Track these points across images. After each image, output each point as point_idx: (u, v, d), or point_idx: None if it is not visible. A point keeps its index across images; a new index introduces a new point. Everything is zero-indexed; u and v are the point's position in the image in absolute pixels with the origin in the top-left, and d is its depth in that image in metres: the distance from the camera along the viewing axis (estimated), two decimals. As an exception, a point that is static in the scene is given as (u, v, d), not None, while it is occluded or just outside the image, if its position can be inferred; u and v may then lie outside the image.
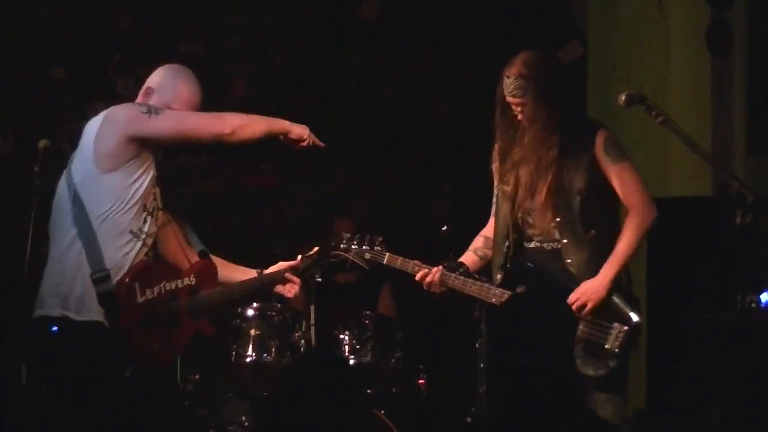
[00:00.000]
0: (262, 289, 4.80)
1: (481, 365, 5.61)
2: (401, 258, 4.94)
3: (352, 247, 5.04)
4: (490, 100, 4.77)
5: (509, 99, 4.66)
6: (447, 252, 5.53)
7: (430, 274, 4.82)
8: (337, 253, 5.09)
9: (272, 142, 7.57)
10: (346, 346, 5.76)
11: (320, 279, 5.89)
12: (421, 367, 5.90)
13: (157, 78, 4.47)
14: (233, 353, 5.74)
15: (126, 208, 4.25)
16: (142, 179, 4.28)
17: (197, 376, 5.87)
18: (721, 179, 4.61)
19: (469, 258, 4.90)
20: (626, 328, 4.57)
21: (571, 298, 4.60)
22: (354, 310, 6.00)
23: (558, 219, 4.66)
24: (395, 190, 7.60)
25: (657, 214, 4.67)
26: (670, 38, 6.61)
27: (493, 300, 4.72)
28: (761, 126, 6.39)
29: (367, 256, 5.00)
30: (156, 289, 4.29)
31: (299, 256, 4.82)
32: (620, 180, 4.66)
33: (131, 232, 4.27)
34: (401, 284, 6.72)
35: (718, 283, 5.60)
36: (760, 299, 5.65)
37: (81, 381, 4.19)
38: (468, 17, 7.61)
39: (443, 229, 5.90)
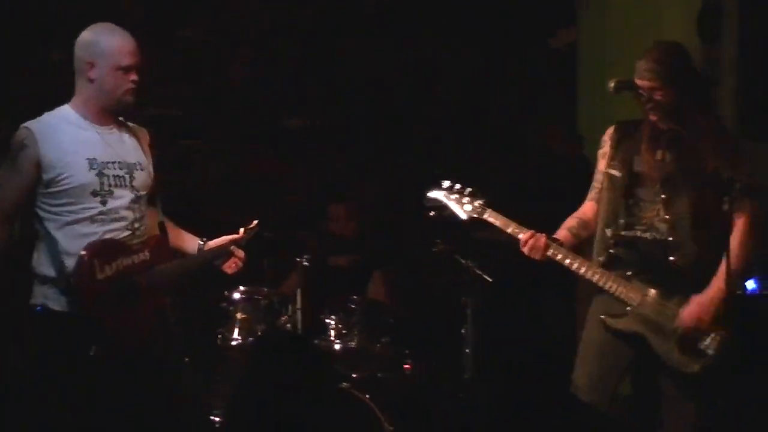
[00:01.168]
0: (210, 263, 4.61)
1: (467, 351, 5.60)
2: (504, 217, 4.73)
3: (451, 195, 4.83)
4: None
5: (637, 81, 4.55)
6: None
7: (534, 239, 4.65)
8: (431, 197, 4.85)
9: (272, 129, 7.62)
10: (332, 331, 5.73)
11: (307, 263, 5.91)
12: (407, 351, 5.88)
13: (87, 50, 4.31)
14: (219, 336, 5.75)
15: (72, 208, 4.22)
16: (63, 182, 4.22)
17: (185, 359, 5.85)
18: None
19: (562, 235, 4.77)
20: (723, 332, 4.48)
21: (686, 313, 4.50)
22: (346, 294, 5.92)
23: (667, 216, 4.57)
24: (396, 176, 7.58)
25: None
26: (662, 23, 6.59)
27: (595, 279, 4.62)
28: (751, 112, 6.38)
29: (467, 207, 4.78)
30: (114, 265, 4.24)
31: (241, 230, 4.63)
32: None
33: (92, 219, 4.25)
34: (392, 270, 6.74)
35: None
36: (745, 286, 5.64)
37: (50, 368, 4.19)
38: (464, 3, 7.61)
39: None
